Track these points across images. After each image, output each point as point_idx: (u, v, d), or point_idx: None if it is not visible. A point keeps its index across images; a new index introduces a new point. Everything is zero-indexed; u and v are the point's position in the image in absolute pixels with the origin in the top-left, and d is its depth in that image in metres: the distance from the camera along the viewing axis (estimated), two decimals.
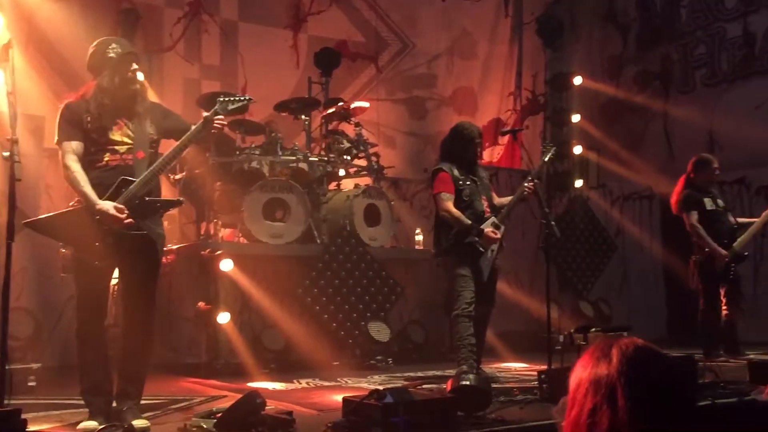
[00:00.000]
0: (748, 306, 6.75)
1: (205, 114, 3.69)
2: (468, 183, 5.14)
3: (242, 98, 3.75)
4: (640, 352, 1.48)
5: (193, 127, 3.64)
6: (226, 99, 3.70)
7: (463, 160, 5.22)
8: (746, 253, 6.42)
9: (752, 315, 7.22)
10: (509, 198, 5.36)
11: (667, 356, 1.54)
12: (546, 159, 5.39)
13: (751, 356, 5.85)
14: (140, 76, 3.74)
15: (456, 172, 5.13)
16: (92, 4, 7.29)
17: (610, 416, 1.43)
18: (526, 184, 5.11)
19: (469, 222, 4.99)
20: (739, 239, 6.27)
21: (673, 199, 6.50)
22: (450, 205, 5.03)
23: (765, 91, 8.38)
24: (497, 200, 5.35)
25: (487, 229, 4.98)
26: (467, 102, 9.77)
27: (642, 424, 1.40)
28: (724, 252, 6.16)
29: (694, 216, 6.27)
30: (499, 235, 5.04)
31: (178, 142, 3.66)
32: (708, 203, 6.33)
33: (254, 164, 6.56)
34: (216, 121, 3.62)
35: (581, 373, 1.52)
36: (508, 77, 10.16)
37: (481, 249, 5.00)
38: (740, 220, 6.48)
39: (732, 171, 8.22)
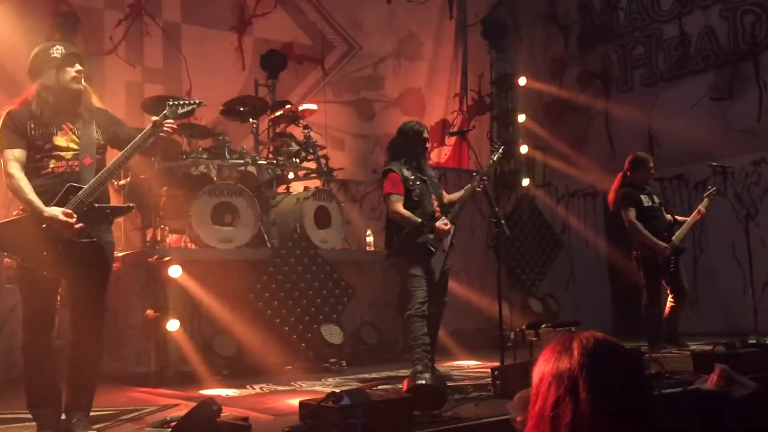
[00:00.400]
0: (690, 299, 7.00)
1: (154, 118, 3.62)
2: (418, 183, 5.19)
3: (192, 102, 3.71)
4: (600, 345, 1.52)
5: (143, 132, 3.58)
6: (176, 103, 3.65)
7: (412, 159, 5.26)
8: (684, 247, 6.66)
9: (692, 307, 7.48)
10: (459, 193, 5.43)
11: (625, 348, 1.58)
12: (495, 158, 5.49)
13: (693, 347, 6.04)
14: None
15: (406, 173, 5.18)
16: (29, 7, 7.06)
17: (573, 408, 1.46)
18: (477, 181, 5.17)
19: (419, 220, 5.05)
20: (677, 233, 6.49)
21: (611, 197, 6.68)
22: (399, 206, 5.09)
23: (700, 90, 8.67)
24: (447, 197, 5.41)
25: (439, 222, 5.05)
26: (414, 103, 9.82)
27: (603, 415, 1.44)
28: (664, 245, 6.36)
29: (632, 213, 6.44)
30: (450, 227, 5.11)
31: (126, 147, 3.59)
32: (644, 200, 6.53)
33: (201, 168, 6.47)
34: (166, 125, 3.56)
35: (544, 367, 1.55)
36: (453, 78, 10.25)
37: (432, 248, 5.06)
38: (678, 218, 6.69)
39: (670, 167, 8.50)
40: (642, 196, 6.53)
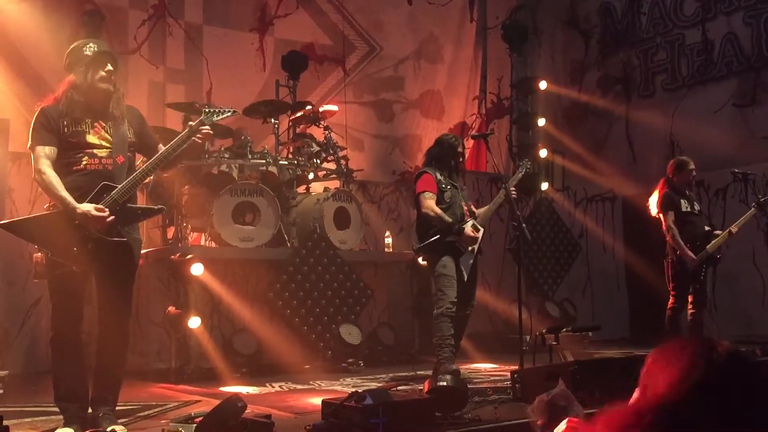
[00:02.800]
0: (708, 305, 6.95)
1: (190, 123, 3.70)
2: (449, 187, 5.34)
3: (226, 110, 3.80)
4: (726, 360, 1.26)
5: (179, 136, 3.64)
6: (211, 110, 3.74)
7: (445, 168, 5.42)
8: (719, 256, 6.60)
9: (710, 314, 7.43)
10: (486, 207, 5.64)
11: (754, 361, 1.32)
12: (521, 174, 5.74)
13: None
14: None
15: (439, 176, 5.31)
16: (55, 5, 7.16)
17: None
18: (505, 195, 5.29)
19: (450, 220, 5.16)
20: (712, 242, 6.45)
21: (652, 201, 6.62)
22: (432, 203, 5.21)
23: (723, 96, 8.62)
24: (477, 211, 5.55)
25: (468, 228, 5.17)
26: (434, 105, 9.84)
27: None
28: (691, 256, 6.32)
29: (671, 217, 6.41)
30: (478, 234, 5.23)
31: (162, 150, 3.64)
32: (683, 205, 6.49)
33: (223, 168, 6.52)
34: (202, 131, 3.64)
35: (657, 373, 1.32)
36: (473, 81, 10.26)
37: (461, 248, 5.13)
38: (716, 231, 6.63)
39: None
40: (681, 201, 6.51)
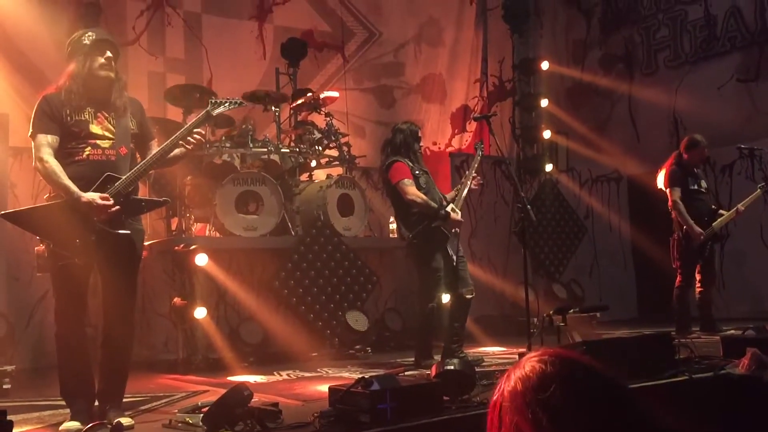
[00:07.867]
0: (717, 283, 6.93)
1: (208, 110, 3.68)
2: (422, 173, 5.33)
3: (233, 101, 3.76)
4: (538, 371, 1.46)
5: (186, 126, 3.63)
6: (217, 101, 3.71)
7: (412, 154, 5.39)
8: (725, 234, 6.57)
9: (718, 291, 7.40)
10: (451, 194, 5.58)
11: (579, 362, 1.50)
12: (479, 157, 5.62)
13: (724, 332, 5.98)
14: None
15: (409, 163, 5.32)
16: None
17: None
18: (474, 179, 5.39)
19: (436, 206, 5.16)
20: (718, 219, 6.42)
21: (660, 176, 6.60)
22: (415, 190, 5.20)
23: (726, 72, 8.54)
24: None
25: (452, 212, 5.18)
26: (436, 89, 9.78)
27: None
28: (699, 231, 6.29)
29: (677, 192, 6.40)
30: (461, 218, 5.26)
31: (165, 143, 3.61)
32: (690, 182, 6.48)
33: (225, 157, 6.50)
34: (194, 138, 3.61)
35: (496, 394, 1.50)
36: (474, 64, 10.18)
37: (447, 233, 5.17)
38: (721, 211, 6.61)
39: None
40: (688, 178, 6.48)
